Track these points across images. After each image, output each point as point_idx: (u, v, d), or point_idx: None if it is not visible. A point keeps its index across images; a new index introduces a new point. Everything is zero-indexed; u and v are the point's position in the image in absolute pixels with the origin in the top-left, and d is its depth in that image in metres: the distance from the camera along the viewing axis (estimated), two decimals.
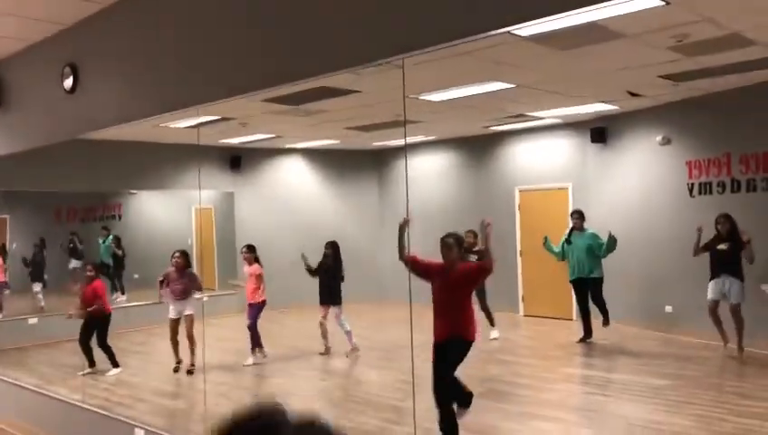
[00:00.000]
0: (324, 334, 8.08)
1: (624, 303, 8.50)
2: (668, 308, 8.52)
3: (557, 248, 8.51)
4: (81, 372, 7.16)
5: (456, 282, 4.86)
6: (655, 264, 8.63)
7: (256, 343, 7.83)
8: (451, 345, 4.85)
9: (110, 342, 7.48)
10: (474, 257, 8.49)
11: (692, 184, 8.29)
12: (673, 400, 5.91)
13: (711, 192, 8.07)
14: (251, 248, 8.06)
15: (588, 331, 8.28)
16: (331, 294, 8.07)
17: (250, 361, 7.78)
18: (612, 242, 8.05)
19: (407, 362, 4.33)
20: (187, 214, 11.61)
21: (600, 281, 8.25)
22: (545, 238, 8.54)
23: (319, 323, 8.08)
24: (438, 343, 4.89)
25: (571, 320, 8.54)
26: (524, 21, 2.66)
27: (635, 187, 9.09)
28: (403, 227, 5.02)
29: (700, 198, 8.21)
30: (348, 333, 7.99)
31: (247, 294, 7.93)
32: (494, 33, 2.72)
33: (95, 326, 7.39)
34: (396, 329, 7.64)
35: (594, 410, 5.77)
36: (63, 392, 6.37)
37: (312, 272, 8.14)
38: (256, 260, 7.99)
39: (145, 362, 8.36)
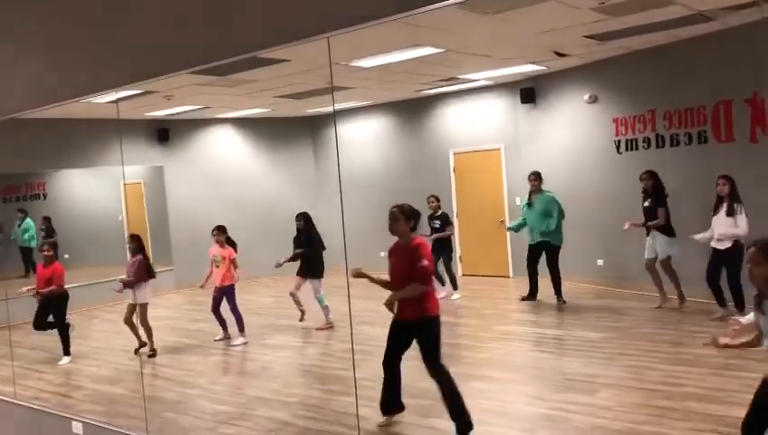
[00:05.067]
0: (297, 302, 7.87)
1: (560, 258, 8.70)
2: (600, 262, 8.80)
3: (518, 221, 8.66)
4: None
5: (411, 258, 4.55)
6: (586, 219, 8.85)
7: (239, 324, 7.58)
8: (420, 326, 4.61)
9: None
10: (437, 223, 8.61)
11: (619, 141, 8.50)
12: (607, 352, 6.15)
13: (637, 148, 8.30)
14: (222, 229, 7.58)
15: (533, 292, 8.41)
16: (307, 266, 7.80)
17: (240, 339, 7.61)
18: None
19: (347, 330, 4.31)
20: (115, 190, 11.22)
21: (555, 248, 8.26)
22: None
23: (289, 294, 7.87)
24: (400, 321, 4.66)
25: (508, 277, 8.75)
26: None
27: (564, 145, 9.27)
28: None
29: (627, 153, 8.43)
30: (325, 308, 7.75)
31: (216, 278, 7.51)
32: (425, 9, 2.67)
33: (52, 308, 7.28)
34: (334, 297, 7.74)
35: (532, 367, 5.95)
36: None
37: (295, 255, 7.82)
38: (228, 241, 7.60)
39: (85, 348, 8.12)
